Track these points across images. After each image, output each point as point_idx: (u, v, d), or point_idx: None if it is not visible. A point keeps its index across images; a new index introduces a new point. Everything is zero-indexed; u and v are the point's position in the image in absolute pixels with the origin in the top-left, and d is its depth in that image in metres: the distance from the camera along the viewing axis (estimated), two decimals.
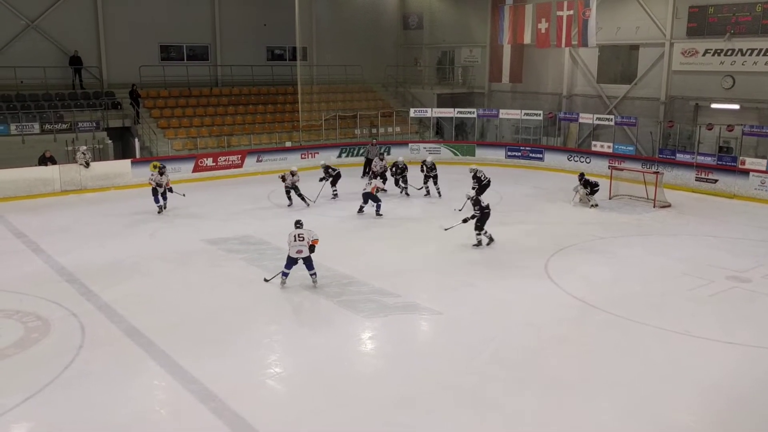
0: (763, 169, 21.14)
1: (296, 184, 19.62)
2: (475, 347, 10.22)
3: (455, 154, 28.17)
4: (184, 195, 19.60)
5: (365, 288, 12.69)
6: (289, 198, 19.73)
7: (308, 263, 12.70)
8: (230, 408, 8.34)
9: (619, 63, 27.77)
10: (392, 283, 12.88)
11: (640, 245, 16.03)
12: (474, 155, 27.96)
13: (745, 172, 21.41)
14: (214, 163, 24.56)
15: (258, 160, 25.58)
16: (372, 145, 25.76)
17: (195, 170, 24.09)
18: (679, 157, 23.20)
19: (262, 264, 14.12)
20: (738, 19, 23.03)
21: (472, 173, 19.88)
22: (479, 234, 15.43)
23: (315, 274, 12.76)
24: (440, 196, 20.78)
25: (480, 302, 12.20)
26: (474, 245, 15.44)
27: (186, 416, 8.25)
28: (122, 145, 25.38)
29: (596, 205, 19.54)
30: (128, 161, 23.13)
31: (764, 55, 22.67)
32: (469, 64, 32.81)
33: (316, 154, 26.88)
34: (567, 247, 15.54)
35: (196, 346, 10.19)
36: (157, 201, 18.83)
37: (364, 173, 24.26)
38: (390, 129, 29.78)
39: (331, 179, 20.83)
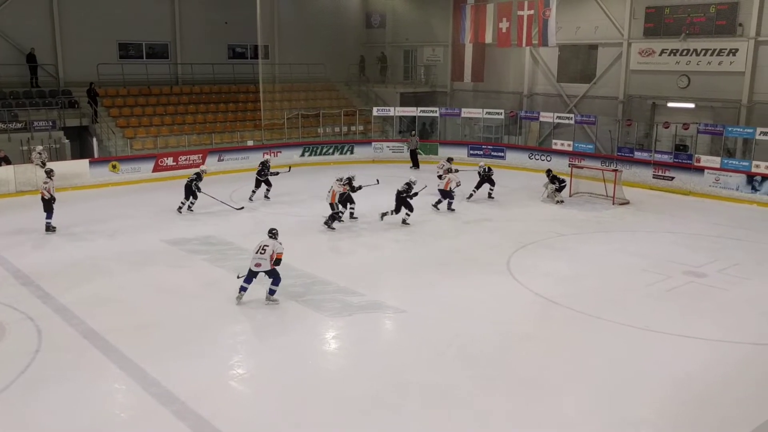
0: (718, 166, 21.68)
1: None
2: (439, 345, 10.28)
3: (419, 153, 28.19)
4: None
5: (329, 287, 12.66)
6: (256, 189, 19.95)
7: (272, 276, 11.75)
8: (193, 410, 8.23)
9: (579, 62, 28.18)
10: (356, 282, 12.87)
11: (599, 242, 16.30)
12: (437, 154, 28.05)
13: (701, 170, 21.94)
14: (175, 163, 24.23)
15: (219, 160, 25.32)
16: (412, 135, 26.81)
17: (155, 170, 23.74)
18: (637, 155, 23.66)
19: (225, 264, 13.97)
20: (693, 19, 23.57)
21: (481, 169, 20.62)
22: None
23: (273, 291, 11.78)
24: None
25: (444, 300, 12.27)
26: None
27: (147, 420, 8.12)
28: (80, 145, 24.84)
29: (562, 201, 19.84)
30: (86, 161, 22.67)
31: (718, 55, 23.25)
32: (431, 63, 32.95)
33: (278, 153, 26.72)
34: (528, 245, 15.72)
35: (157, 348, 10.04)
36: (50, 216, 16.35)
37: (414, 165, 26.01)
38: (353, 128, 29.74)
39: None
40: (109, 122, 25.13)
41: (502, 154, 27.19)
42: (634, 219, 18.65)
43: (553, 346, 10.36)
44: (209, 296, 12.27)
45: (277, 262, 11.67)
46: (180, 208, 18.57)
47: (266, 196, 20.48)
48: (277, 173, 20.46)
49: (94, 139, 23.72)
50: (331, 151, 27.89)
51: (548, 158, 25.89)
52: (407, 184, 17.30)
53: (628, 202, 20.34)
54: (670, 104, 24.81)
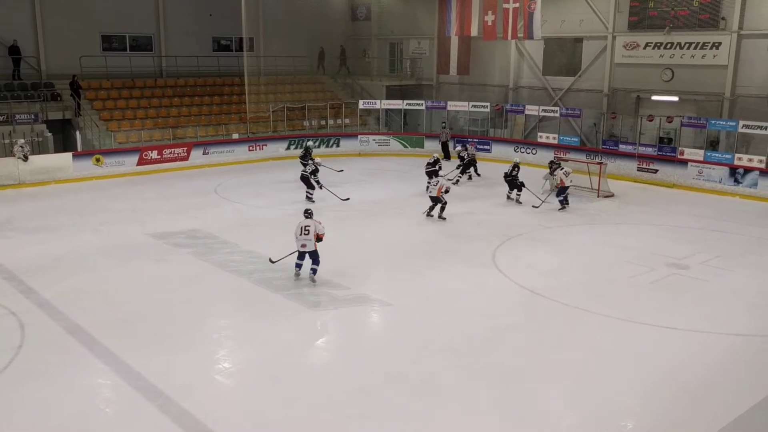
0: (701, 159, 21.86)
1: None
2: (425, 337, 10.31)
3: (404, 146, 28.26)
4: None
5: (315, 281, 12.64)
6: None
7: (313, 257, 12.35)
8: (178, 404, 8.21)
9: (564, 56, 28.26)
10: (342, 276, 12.86)
11: (584, 234, 16.39)
12: (423, 147, 28.11)
13: (684, 162, 22.11)
14: (159, 156, 24.07)
15: (204, 153, 25.18)
16: (443, 128, 26.86)
17: (139, 163, 23.57)
18: (622, 147, 23.80)
19: (210, 258, 13.92)
20: (677, 13, 23.68)
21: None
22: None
23: (315, 271, 12.38)
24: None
25: (429, 292, 12.30)
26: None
27: (132, 414, 8.08)
28: (63, 138, 24.60)
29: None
30: (69, 155, 22.46)
31: (701, 48, 23.40)
32: (417, 56, 32.91)
33: (264, 146, 26.63)
34: (514, 237, 15.78)
35: (142, 342, 9.99)
36: None
37: (447, 157, 26.18)
38: (339, 121, 29.67)
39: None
40: (92, 115, 24.90)
41: (488, 147, 27.24)
42: (619, 211, 18.77)
43: (538, 338, 10.42)
44: (194, 290, 12.21)
45: (319, 240, 12.29)
46: (310, 197, 19.01)
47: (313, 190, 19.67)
48: (317, 171, 19.62)
49: (78, 133, 23.50)
50: (317, 144, 27.79)
51: (534, 151, 25.99)
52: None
53: (612, 195, 20.46)
54: (655, 97, 24.95)
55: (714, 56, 23.11)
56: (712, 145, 22.90)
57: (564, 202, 18.44)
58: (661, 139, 23.84)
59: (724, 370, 9.48)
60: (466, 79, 30.69)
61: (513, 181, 19.45)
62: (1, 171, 20.76)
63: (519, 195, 19.30)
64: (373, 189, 20.94)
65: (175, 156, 24.41)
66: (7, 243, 14.92)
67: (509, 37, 27.18)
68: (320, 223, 12.45)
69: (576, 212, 18.41)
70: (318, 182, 19.07)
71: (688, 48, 23.70)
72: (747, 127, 21.09)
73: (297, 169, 24.45)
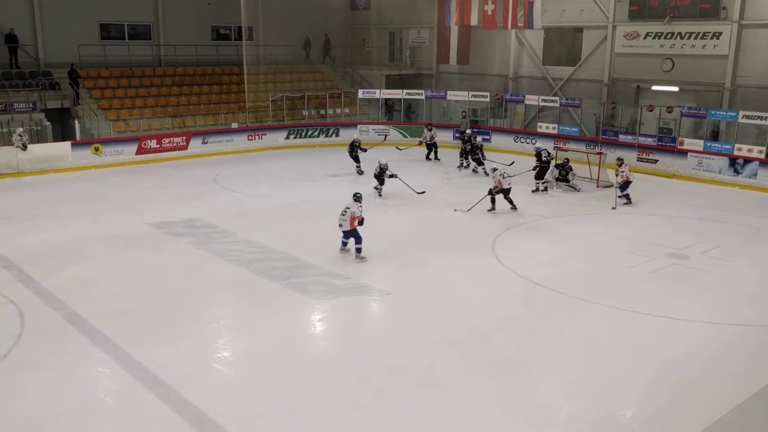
0: (701, 149, 21.84)
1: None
2: (425, 327, 10.32)
3: (404, 136, 28.19)
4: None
5: (314, 270, 12.65)
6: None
7: (353, 236, 13.20)
8: (178, 393, 8.23)
9: (564, 45, 28.16)
10: (341, 265, 12.89)
11: (584, 224, 16.39)
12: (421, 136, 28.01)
13: (684, 153, 22.08)
14: (158, 145, 24.01)
15: (203, 142, 25.12)
16: (463, 118, 26.82)
17: (138, 152, 23.51)
18: (622, 138, 23.76)
19: (209, 247, 13.91)
20: (677, 2, 23.57)
21: (536, 152, 19.96)
22: (539, 182, 19.09)
23: (359, 249, 13.24)
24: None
25: (429, 282, 12.30)
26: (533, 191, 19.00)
27: (132, 403, 8.10)
28: (61, 127, 24.53)
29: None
30: (68, 144, 22.39)
31: (701, 38, 23.31)
32: (416, 45, 32.79)
33: (263, 136, 26.57)
34: (513, 227, 15.78)
35: (141, 331, 10.00)
36: None
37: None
38: (338, 110, 29.59)
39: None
40: (91, 104, 24.82)
41: (488, 137, 27.17)
42: (618, 201, 18.72)
43: (538, 328, 10.43)
44: (193, 279, 12.22)
45: (360, 222, 13.10)
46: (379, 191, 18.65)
47: (358, 172, 21.35)
48: (366, 150, 21.70)
49: (76, 122, 23.42)
50: (316, 133, 27.76)
51: (533, 141, 25.93)
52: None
53: (612, 185, 20.40)
54: (655, 87, 24.88)
55: (714, 46, 23.04)
56: (713, 135, 22.86)
57: (628, 196, 18.19)
58: (660, 130, 23.80)
59: (723, 360, 9.49)
60: (465, 68, 30.60)
61: (544, 170, 19.44)
62: (0, 160, 20.70)
63: (545, 184, 19.48)
64: (371, 179, 20.86)
65: (174, 145, 24.36)
66: (6, 232, 14.90)
67: (509, 27, 27.08)
68: (360, 207, 13.27)
69: (575, 203, 18.39)
70: (393, 175, 18.37)
71: (689, 38, 23.62)
72: (747, 117, 21.04)
73: (296, 158, 24.54)
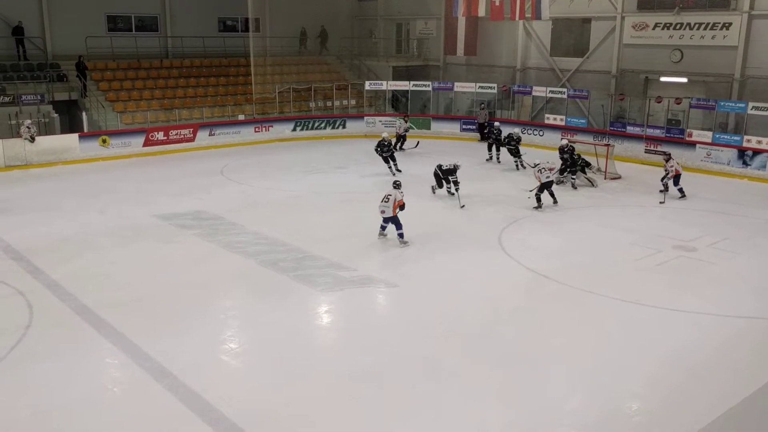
0: (709, 141, 21.71)
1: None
2: (431, 319, 10.33)
3: (411, 128, 28.06)
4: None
5: (321, 262, 12.66)
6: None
7: (394, 222, 13.62)
8: (185, 384, 8.27)
9: (572, 36, 27.99)
10: (348, 257, 12.89)
11: (590, 216, 16.34)
12: (429, 128, 28.00)
13: (692, 144, 21.96)
14: (165, 137, 24.06)
15: (210, 134, 25.15)
16: (482, 109, 26.88)
17: (145, 144, 23.57)
18: (630, 129, 23.64)
19: (216, 239, 13.95)
20: None
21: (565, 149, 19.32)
22: (574, 177, 18.85)
23: (401, 235, 13.68)
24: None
25: (435, 274, 12.31)
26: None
27: (139, 394, 8.15)
28: (69, 119, 24.60)
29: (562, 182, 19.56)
30: (76, 135, 22.46)
31: (711, 29, 23.13)
32: (424, 36, 32.67)
33: (270, 128, 26.58)
34: (520, 219, 15.75)
35: (149, 323, 10.05)
36: None
37: (482, 138, 26.12)
38: (345, 102, 29.56)
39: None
40: (98, 96, 24.87)
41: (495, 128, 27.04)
42: (626, 194, 18.69)
43: (545, 320, 10.43)
44: (200, 271, 12.26)
45: (401, 207, 13.61)
46: (436, 190, 17.94)
47: (396, 169, 20.46)
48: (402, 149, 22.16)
49: (84, 114, 23.49)
50: (323, 125, 27.74)
51: (541, 133, 25.85)
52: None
53: (619, 177, 20.35)
54: (663, 79, 24.72)
55: (724, 37, 22.85)
56: (722, 127, 22.71)
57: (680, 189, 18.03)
58: (669, 121, 23.66)
59: (729, 352, 9.47)
60: (473, 59, 30.47)
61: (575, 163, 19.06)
62: (9, 152, 20.81)
63: (574, 179, 19.04)
64: (379, 170, 20.87)
65: (181, 137, 24.40)
66: (14, 223, 14.98)
67: (517, 18, 26.92)
68: (401, 194, 13.68)
69: (583, 194, 18.33)
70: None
71: (698, 29, 23.43)
72: (756, 108, 20.89)
73: (303, 149, 24.53)
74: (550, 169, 16.81)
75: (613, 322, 10.39)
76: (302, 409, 7.90)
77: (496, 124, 23.40)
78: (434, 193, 17.85)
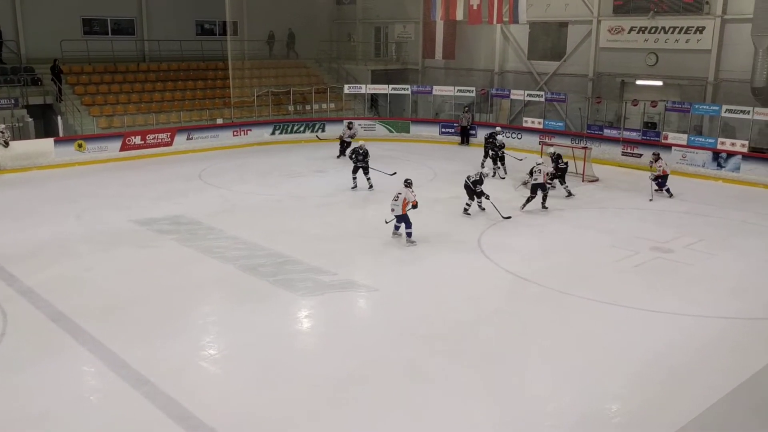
0: (685, 143, 21.99)
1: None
2: (412, 322, 10.32)
3: (390, 131, 28.17)
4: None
5: (301, 266, 12.61)
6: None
7: (404, 221, 13.82)
8: (164, 392, 8.18)
9: (549, 40, 28.22)
10: (328, 261, 12.84)
11: (569, 219, 16.46)
12: (409, 132, 28.05)
13: (668, 147, 22.22)
14: (143, 142, 23.83)
15: (188, 138, 24.96)
16: (465, 112, 26.76)
17: (122, 149, 23.32)
18: (607, 132, 23.85)
19: (195, 244, 13.83)
20: None
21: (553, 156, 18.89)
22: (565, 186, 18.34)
23: (409, 234, 13.86)
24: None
25: (416, 277, 12.32)
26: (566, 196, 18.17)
27: (117, 402, 8.04)
28: (44, 124, 24.29)
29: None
30: (51, 140, 22.16)
31: (685, 33, 23.45)
32: (402, 40, 32.75)
33: (248, 131, 26.45)
34: (499, 222, 15.81)
35: (126, 329, 9.93)
36: None
37: (463, 142, 26.57)
38: (324, 105, 29.50)
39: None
40: (74, 100, 24.58)
41: (474, 132, 27.21)
42: (603, 196, 18.86)
43: (525, 323, 10.47)
44: (179, 276, 12.15)
45: (413, 206, 13.79)
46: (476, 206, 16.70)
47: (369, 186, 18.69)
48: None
49: (59, 118, 23.20)
50: (302, 129, 27.66)
51: (519, 136, 25.99)
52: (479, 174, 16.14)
53: (597, 180, 20.54)
54: (639, 82, 25.01)
55: (698, 41, 23.19)
56: (696, 130, 23.02)
57: (667, 189, 18.47)
58: (645, 124, 23.93)
59: (708, 353, 9.57)
60: (451, 63, 30.62)
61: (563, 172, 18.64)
62: None
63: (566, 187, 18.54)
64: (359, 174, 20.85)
65: (159, 141, 24.19)
66: None
67: (494, 22, 27.08)
68: (413, 193, 13.81)
69: (561, 197, 18.45)
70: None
71: (672, 32, 23.76)
72: (730, 111, 21.20)
73: (282, 153, 24.43)
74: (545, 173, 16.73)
75: (594, 323, 10.47)
76: (283, 414, 7.85)
77: (499, 137, 21.38)
78: (467, 213, 16.27)
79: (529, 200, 16.70)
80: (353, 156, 18.76)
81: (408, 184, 14.09)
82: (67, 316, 10.26)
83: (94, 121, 24.08)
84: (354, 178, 18.76)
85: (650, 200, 18.03)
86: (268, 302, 11.08)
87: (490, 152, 21.04)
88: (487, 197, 15.97)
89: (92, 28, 27.87)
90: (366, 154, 18.56)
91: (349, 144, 22.54)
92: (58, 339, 9.60)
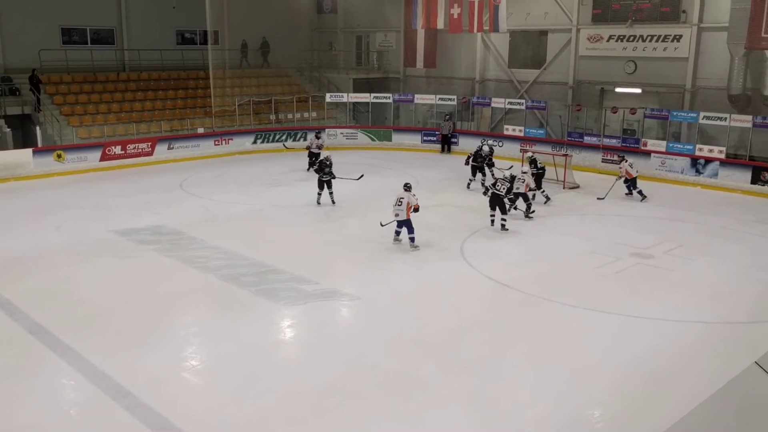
0: (664, 150, 22.25)
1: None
2: (395, 330, 10.32)
3: (372, 140, 28.23)
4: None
5: (283, 276, 12.55)
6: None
7: (407, 226, 13.97)
8: (145, 404, 8.09)
9: (529, 48, 28.45)
10: (310, 270, 12.80)
11: (550, 225, 16.55)
12: (391, 140, 28.12)
13: (647, 153, 22.47)
14: (123, 152, 23.66)
15: (169, 148, 24.82)
16: (445, 120, 26.72)
17: (103, 159, 23.14)
18: (587, 139, 24.07)
19: (176, 254, 13.73)
20: (639, 6, 24.01)
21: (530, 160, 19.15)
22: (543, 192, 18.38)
23: (412, 239, 14.05)
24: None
25: (398, 286, 12.32)
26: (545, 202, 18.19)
27: (97, 415, 7.94)
28: (22, 134, 24.02)
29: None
30: (29, 150, 21.93)
31: (662, 41, 23.76)
32: (383, 48, 32.85)
33: (230, 141, 26.37)
34: (481, 229, 15.86)
35: (107, 341, 9.82)
36: None
37: (444, 150, 26.76)
38: (306, 114, 29.49)
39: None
40: (53, 110, 24.37)
41: (456, 140, 27.34)
42: (584, 203, 18.99)
43: (507, 329, 10.50)
44: (160, 287, 12.04)
45: (415, 210, 13.94)
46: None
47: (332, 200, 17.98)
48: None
49: (38, 128, 22.97)
50: (284, 138, 27.61)
51: (500, 144, 26.13)
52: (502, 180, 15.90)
53: (577, 186, 20.69)
54: (618, 89, 25.28)
55: (675, 49, 23.50)
56: (675, 136, 23.29)
57: (636, 193, 19.05)
58: (624, 131, 24.17)
59: (690, 358, 9.63)
60: (432, 72, 30.74)
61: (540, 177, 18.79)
62: None
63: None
64: (341, 183, 20.82)
65: (139, 151, 24.03)
66: None
67: (475, 30, 27.28)
68: (414, 196, 13.98)
69: (541, 204, 18.55)
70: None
71: (650, 41, 24.05)
72: (708, 118, 21.49)
73: (263, 162, 24.36)
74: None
75: (575, 329, 10.52)
76: (266, 424, 7.80)
77: (486, 148, 20.63)
78: (499, 224, 15.79)
79: (515, 207, 16.72)
80: (318, 168, 17.89)
81: (408, 187, 14.22)
82: (46, 328, 10.13)
83: (73, 131, 23.88)
84: (319, 194, 17.85)
85: (600, 198, 18.63)
86: (250, 312, 11.01)
87: (486, 168, 20.24)
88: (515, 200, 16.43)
89: (71, 38, 27.65)
90: (331, 165, 17.75)
91: (318, 155, 21.29)
92: (37, 352, 9.46)
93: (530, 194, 17.07)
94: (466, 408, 8.19)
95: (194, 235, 15.06)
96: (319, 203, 17.93)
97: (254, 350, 9.68)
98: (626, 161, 19.24)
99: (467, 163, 20.45)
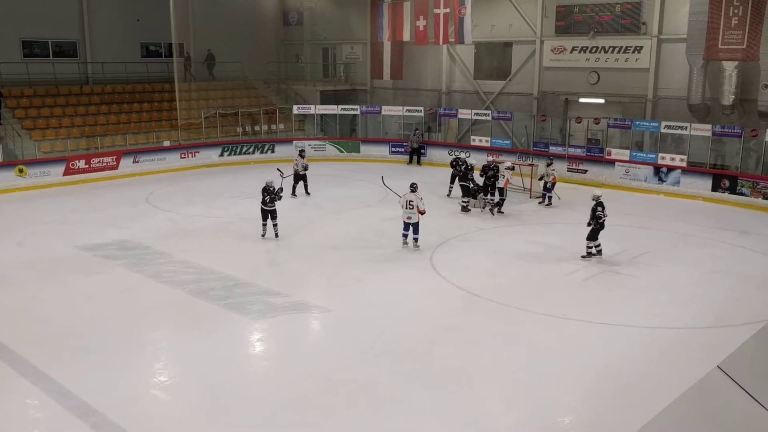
0: (627, 159, 22.65)
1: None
2: (365, 342, 10.30)
3: (340, 151, 28.23)
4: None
5: (252, 289, 12.46)
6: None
7: (415, 228, 14.55)
8: (113, 422, 7.95)
9: (495, 60, 28.78)
10: (280, 283, 12.74)
11: (518, 235, 16.71)
12: (359, 152, 28.15)
13: (612, 162, 22.85)
14: (87, 166, 23.30)
15: (135, 161, 24.52)
16: (415, 132, 26.99)
17: (66, 173, 22.75)
18: (552, 149, 24.38)
19: (143, 269, 13.54)
20: (600, 18, 24.47)
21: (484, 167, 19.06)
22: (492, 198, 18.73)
23: (417, 240, 14.69)
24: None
25: (369, 297, 12.31)
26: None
27: None
28: None
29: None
30: None
31: (624, 52, 24.24)
32: (350, 61, 32.94)
33: (196, 153, 26.14)
34: (450, 239, 15.95)
35: (72, 359, 9.64)
36: None
37: (411, 162, 27.11)
38: (273, 126, 29.38)
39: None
40: (14, 124, 23.89)
41: (423, 151, 27.48)
42: (550, 212, 19.22)
43: (477, 338, 10.55)
44: (126, 303, 11.86)
45: (421, 214, 14.42)
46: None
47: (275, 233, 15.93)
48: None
49: None
50: (251, 150, 27.49)
51: (467, 154, 26.32)
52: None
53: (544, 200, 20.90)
54: (582, 100, 25.68)
55: (636, 60, 23.98)
56: (638, 145, 23.74)
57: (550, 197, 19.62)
58: (589, 141, 24.56)
59: (659, 364, 9.77)
60: (399, 83, 30.88)
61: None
62: None
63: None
64: (314, 191, 20.79)
65: (104, 165, 23.68)
66: None
67: (441, 42, 27.47)
68: (421, 199, 14.40)
69: (509, 214, 18.73)
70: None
71: (612, 52, 24.51)
72: (669, 127, 21.95)
73: (231, 175, 24.20)
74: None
75: (545, 337, 10.61)
76: None
77: (471, 161, 19.83)
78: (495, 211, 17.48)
79: (494, 203, 17.37)
80: (268, 196, 15.71)
81: (414, 188, 14.59)
82: (8, 347, 9.90)
83: (35, 146, 23.44)
84: (264, 225, 15.90)
85: (546, 204, 19.56)
86: (219, 326, 10.90)
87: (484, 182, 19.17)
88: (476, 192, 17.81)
89: (32, 51, 27.19)
90: (276, 192, 15.84)
91: (304, 177, 20.32)
92: (0, 372, 9.22)
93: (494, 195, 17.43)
94: (439, 417, 8.20)
95: (161, 250, 14.87)
96: (263, 235, 15.92)
97: (223, 365, 9.57)
98: (553, 164, 20.16)
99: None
